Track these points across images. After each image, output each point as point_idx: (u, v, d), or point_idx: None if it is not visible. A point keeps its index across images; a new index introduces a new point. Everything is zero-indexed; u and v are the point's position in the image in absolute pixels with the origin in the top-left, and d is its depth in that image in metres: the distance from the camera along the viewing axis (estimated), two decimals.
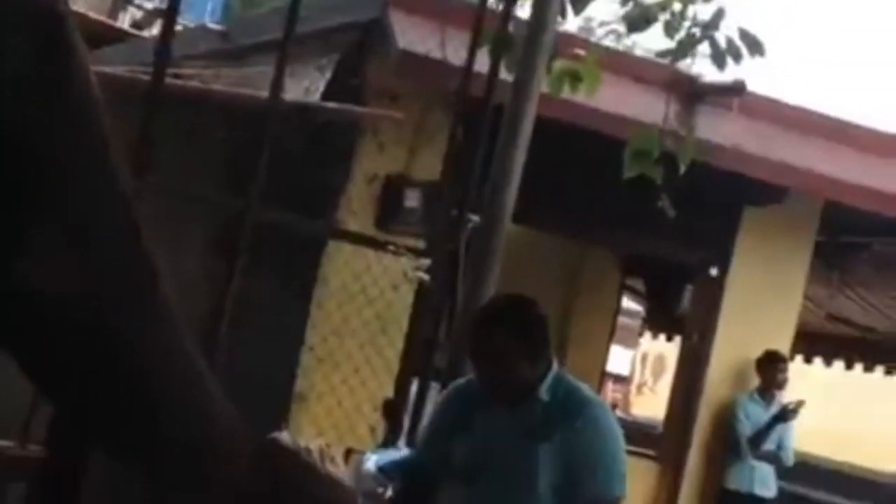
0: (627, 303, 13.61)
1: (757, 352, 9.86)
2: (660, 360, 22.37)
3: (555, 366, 4.09)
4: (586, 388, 4.16)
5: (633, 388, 23.53)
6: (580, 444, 3.94)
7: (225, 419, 1.69)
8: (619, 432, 4.07)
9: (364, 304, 7.15)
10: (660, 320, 12.94)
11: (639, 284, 12.73)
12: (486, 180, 5.75)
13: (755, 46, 6.05)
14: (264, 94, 6.53)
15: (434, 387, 7.17)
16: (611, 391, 19.57)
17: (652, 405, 20.62)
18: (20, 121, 1.42)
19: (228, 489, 1.71)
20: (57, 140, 1.46)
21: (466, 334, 4.34)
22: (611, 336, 12.61)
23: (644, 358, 23.33)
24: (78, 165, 1.48)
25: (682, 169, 6.60)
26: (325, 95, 7.84)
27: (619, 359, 18.08)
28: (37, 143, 1.44)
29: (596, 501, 3.96)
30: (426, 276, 7.14)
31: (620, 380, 20.81)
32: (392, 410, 6.15)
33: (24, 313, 1.47)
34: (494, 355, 3.98)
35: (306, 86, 7.89)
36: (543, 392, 4.00)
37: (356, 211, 8.04)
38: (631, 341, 19.29)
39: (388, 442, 6.43)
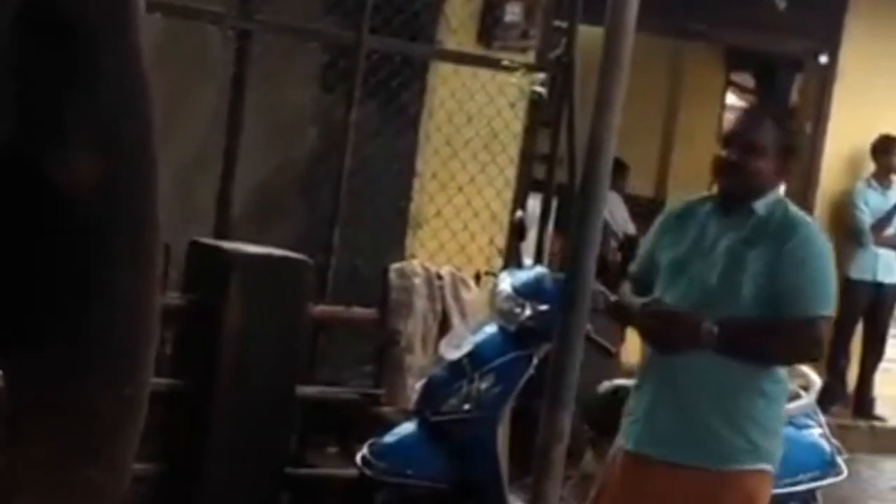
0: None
1: (871, 137, 9.68)
2: None
3: (780, 190, 4.23)
4: (803, 214, 4.28)
5: None
6: (791, 263, 4.03)
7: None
8: (829, 253, 4.17)
9: (482, 124, 7.04)
10: (769, 112, 12.68)
11: (744, 79, 12.49)
12: None
13: None
14: None
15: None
16: None
17: None
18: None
19: None
20: (102, 29, 1.62)
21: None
22: (718, 134, 12.43)
23: None
24: (117, 70, 1.63)
25: None
26: None
27: None
28: (87, 30, 1.60)
29: (804, 320, 4.05)
30: (542, 90, 7.02)
31: None
32: (519, 229, 6.09)
33: (43, 197, 1.61)
34: (754, 140, 4.09)
35: None
36: (761, 206, 4.10)
37: (456, 30, 7.88)
38: None
39: (517, 262, 6.38)
